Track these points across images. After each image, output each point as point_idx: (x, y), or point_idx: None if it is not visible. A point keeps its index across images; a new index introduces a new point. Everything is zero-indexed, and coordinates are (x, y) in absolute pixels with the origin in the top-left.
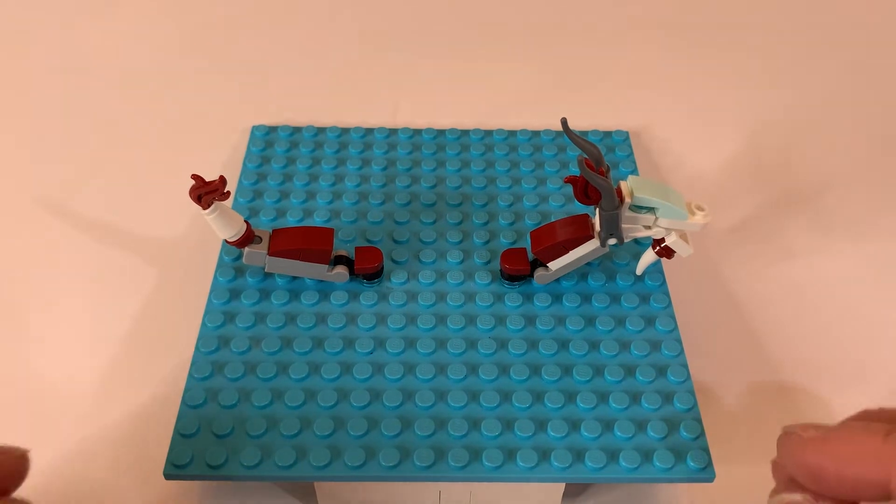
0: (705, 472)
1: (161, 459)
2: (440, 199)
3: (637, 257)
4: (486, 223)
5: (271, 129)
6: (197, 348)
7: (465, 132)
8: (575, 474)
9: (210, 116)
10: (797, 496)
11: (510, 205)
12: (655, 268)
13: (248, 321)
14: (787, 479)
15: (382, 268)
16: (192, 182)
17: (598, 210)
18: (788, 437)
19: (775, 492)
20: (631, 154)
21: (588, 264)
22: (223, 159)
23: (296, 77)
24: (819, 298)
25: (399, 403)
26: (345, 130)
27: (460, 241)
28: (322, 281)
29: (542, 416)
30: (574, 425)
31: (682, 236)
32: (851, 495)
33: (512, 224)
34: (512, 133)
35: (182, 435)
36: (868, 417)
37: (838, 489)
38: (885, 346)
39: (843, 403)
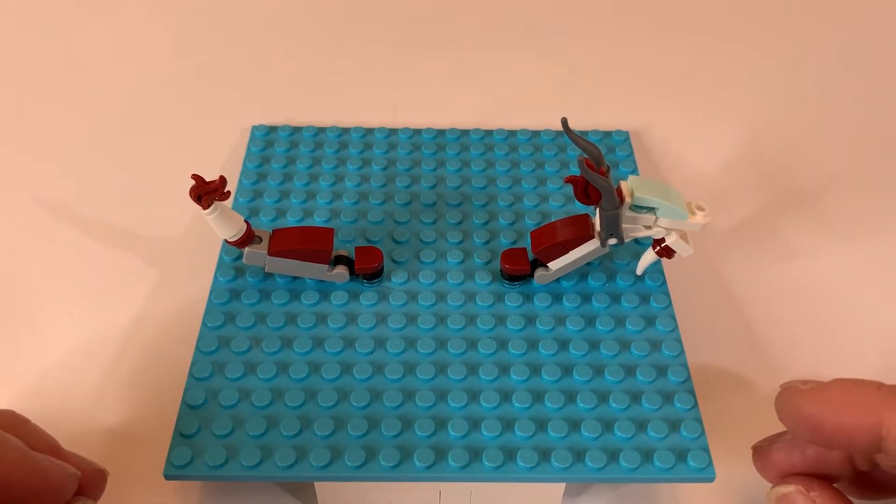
0: (705, 472)
1: (161, 459)
2: (440, 199)
3: (637, 257)
4: (486, 223)
5: (271, 129)
6: (197, 348)
7: (465, 132)
8: (575, 474)
9: (210, 116)
10: (790, 487)
11: (510, 205)
12: (655, 268)
13: (248, 321)
14: (775, 475)
15: (383, 268)
16: (192, 182)
17: (598, 210)
18: (787, 391)
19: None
20: (631, 154)
21: (588, 264)
22: (223, 159)
23: (296, 77)
24: (819, 298)
25: (399, 403)
26: (345, 130)
27: (460, 241)
28: (322, 281)
29: (542, 417)
30: (574, 425)
31: (683, 236)
32: (847, 444)
33: (512, 224)
34: (512, 133)
35: (182, 435)
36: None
37: (835, 438)
38: (885, 346)
39: None
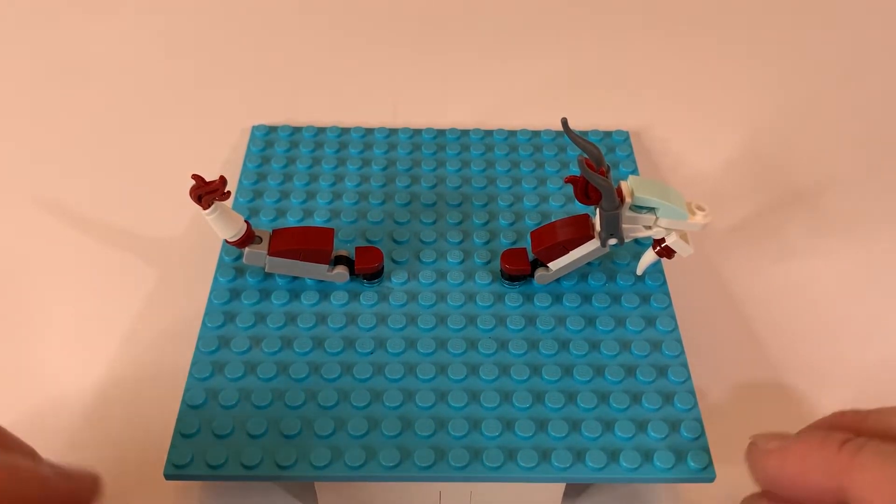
0: (706, 473)
1: (161, 459)
2: (440, 199)
3: (637, 257)
4: (486, 223)
5: (271, 129)
6: (197, 348)
7: (465, 132)
8: (575, 474)
9: (210, 116)
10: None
11: (510, 205)
12: (656, 268)
13: (249, 321)
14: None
15: (383, 268)
16: (193, 182)
17: (598, 210)
18: (751, 451)
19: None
20: (631, 154)
21: (588, 264)
22: (223, 159)
23: (296, 77)
24: (819, 298)
25: (399, 404)
26: (345, 130)
27: (460, 242)
28: (322, 281)
29: (542, 417)
30: (574, 425)
31: (683, 236)
32: (814, 503)
33: (512, 224)
34: (512, 133)
35: (182, 435)
36: (837, 420)
37: (800, 497)
38: (884, 346)
39: (842, 403)
